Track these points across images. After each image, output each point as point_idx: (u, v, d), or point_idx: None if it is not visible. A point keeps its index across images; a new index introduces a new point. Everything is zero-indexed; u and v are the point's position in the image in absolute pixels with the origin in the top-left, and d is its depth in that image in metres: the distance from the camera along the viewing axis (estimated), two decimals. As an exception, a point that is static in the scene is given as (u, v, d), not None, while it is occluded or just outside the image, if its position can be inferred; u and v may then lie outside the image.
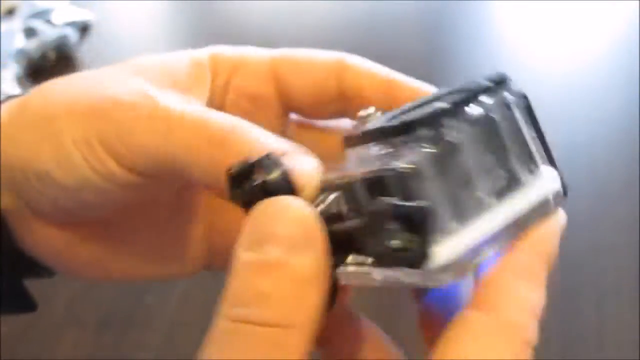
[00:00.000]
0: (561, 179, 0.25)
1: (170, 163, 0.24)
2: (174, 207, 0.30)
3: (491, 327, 0.22)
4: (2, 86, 0.79)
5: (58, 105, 0.26)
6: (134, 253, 0.29)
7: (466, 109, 0.23)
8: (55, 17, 0.88)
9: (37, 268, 0.29)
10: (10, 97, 0.27)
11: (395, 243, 0.21)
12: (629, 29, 0.86)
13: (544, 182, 0.24)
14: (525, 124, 0.25)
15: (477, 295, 0.22)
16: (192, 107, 0.25)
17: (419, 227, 0.21)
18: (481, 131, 0.23)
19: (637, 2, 0.88)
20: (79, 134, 0.24)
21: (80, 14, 0.90)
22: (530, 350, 0.22)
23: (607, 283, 0.62)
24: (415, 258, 0.21)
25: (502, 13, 0.94)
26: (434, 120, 0.22)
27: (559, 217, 0.25)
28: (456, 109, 0.22)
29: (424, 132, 0.22)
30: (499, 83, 0.24)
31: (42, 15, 0.88)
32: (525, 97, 0.24)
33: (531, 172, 0.24)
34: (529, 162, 0.24)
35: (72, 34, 0.86)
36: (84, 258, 0.29)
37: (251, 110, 0.29)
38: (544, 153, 0.25)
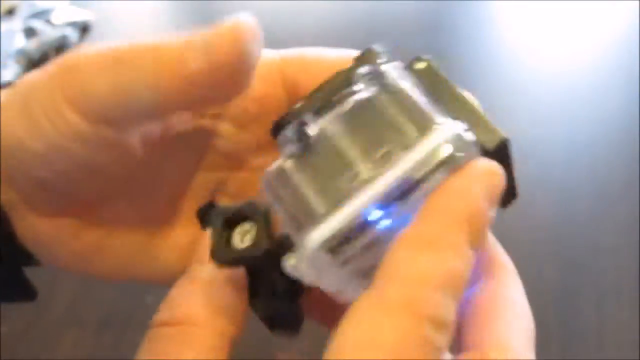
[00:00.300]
0: (475, 132, 0.24)
1: (123, 98, 0.24)
2: (157, 195, 0.30)
3: (374, 305, 0.20)
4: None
5: (33, 78, 0.26)
6: (122, 245, 0.29)
7: (334, 99, 0.24)
8: (55, 17, 0.88)
9: (35, 258, 0.29)
10: (8, 84, 0.27)
11: (244, 240, 0.24)
12: (629, 29, 0.86)
13: (438, 137, 0.23)
14: (416, 85, 0.25)
15: (374, 276, 0.21)
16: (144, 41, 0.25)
17: (260, 222, 0.24)
18: (351, 115, 0.24)
19: (637, 2, 0.88)
20: (44, 96, 0.25)
21: (80, 14, 0.90)
22: (432, 325, 0.20)
23: (607, 283, 0.62)
24: (257, 244, 0.23)
25: (502, 13, 0.94)
26: (295, 119, 0.24)
27: (475, 170, 0.22)
28: (320, 106, 0.24)
29: (289, 132, 0.25)
30: (368, 58, 0.25)
31: (42, 15, 0.88)
32: (408, 64, 0.26)
33: (423, 133, 0.23)
34: (421, 122, 0.23)
35: (72, 34, 0.86)
36: (74, 249, 0.29)
37: (258, 113, 0.29)
38: (456, 106, 0.25)
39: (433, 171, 0.22)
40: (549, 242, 0.64)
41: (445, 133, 0.23)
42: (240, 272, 0.25)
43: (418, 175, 0.22)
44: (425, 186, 0.22)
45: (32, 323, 0.60)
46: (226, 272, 0.24)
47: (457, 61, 0.84)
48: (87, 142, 0.25)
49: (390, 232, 0.22)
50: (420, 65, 0.26)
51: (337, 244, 0.22)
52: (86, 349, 0.59)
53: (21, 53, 0.82)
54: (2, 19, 0.87)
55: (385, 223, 0.22)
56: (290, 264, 0.23)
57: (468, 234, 0.21)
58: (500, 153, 0.24)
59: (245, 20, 0.24)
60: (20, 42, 0.84)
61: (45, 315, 0.60)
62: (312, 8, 0.95)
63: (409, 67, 0.26)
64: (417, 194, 0.22)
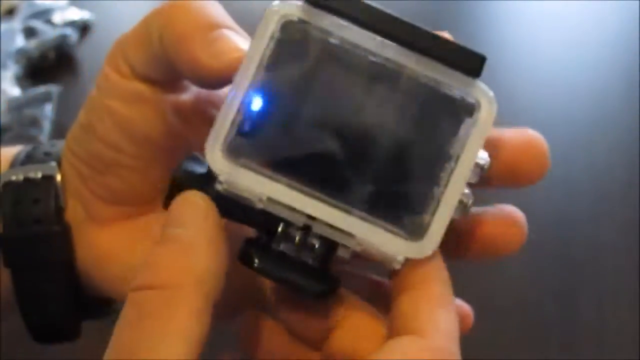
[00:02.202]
0: None
1: (166, 62, 0.28)
2: None
3: (425, 349, 0.24)
4: (2, 86, 0.79)
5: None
6: None
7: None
8: (55, 17, 0.88)
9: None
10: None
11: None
12: (629, 29, 0.86)
13: None
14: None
15: (399, 323, 0.25)
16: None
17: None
18: None
19: (637, 2, 0.88)
20: (110, 65, 0.30)
21: (80, 14, 0.90)
22: None
23: (607, 283, 0.62)
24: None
25: (502, 13, 0.94)
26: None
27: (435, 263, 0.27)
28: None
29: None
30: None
31: (42, 15, 0.88)
32: None
33: None
34: None
35: (72, 34, 0.86)
36: (129, 263, 0.31)
37: None
38: None
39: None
40: (549, 242, 0.64)
41: None
42: (219, 235, 0.25)
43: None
44: None
45: (32, 323, 0.60)
46: (207, 235, 0.25)
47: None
48: (123, 97, 0.29)
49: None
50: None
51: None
52: (86, 348, 0.59)
53: (21, 53, 0.82)
54: (2, 19, 0.87)
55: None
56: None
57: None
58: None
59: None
60: (20, 42, 0.84)
61: (45, 315, 0.60)
62: (312, 8, 0.95)
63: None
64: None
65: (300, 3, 0.25)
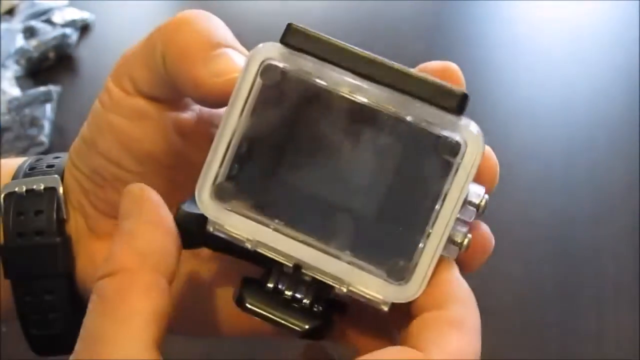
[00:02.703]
0: None
1: (169, 80, 0.28)
2: None
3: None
4: (2, 86, 0.79)
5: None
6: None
7: None
8: (55, 17, 0.88)
9: None
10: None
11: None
12: (629, 28, 0.86)
13: None
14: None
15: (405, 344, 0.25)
16: None
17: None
18: None
19: (637, 2, 0.88)
20: (114, 82, 0.30)
21: (80, 14, 0.90)
22: None
23: (607, 283, 0.62)
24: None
25: (502, 13, 0.94)
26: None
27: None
28: None
29: None
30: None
31: (42, 15, 0.88)
32: None
33: None
34: None
35: (72, 34, 0.86)
36: None
37: None
38: None
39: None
40: (549, 242, 0.64)
41: None
42: (157, 214, 0.26)
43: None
44: None
45: (32, 323, 0.60)
46: (145, 218, 0.26)
47: (456, 62, 0.83)
48: (125, 113, 0.30)
49: None
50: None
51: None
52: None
53: (21, 53, 0.82)
54: (2, 18, 0.87)
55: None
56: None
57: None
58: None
59: None
60: (20, 42, 0.84)
61: (45, 315, 0.60)
62: (311, 9, 0.95)
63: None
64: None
65: (280, 45, 0.25)
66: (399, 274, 0.25)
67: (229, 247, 0.27)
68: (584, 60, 0.83)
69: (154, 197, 0.26)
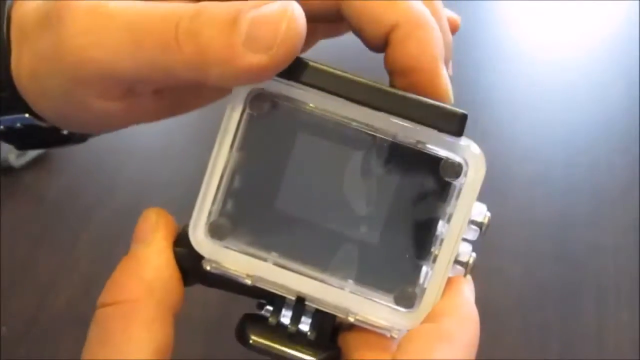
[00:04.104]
0: None
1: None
2: None
3: None
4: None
5: None
6: None
7: None
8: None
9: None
10: None
11: None
12: (629, 28, 0.86)
13: None
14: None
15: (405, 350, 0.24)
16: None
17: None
18: None
19: (637, 2, 0.88)
20: None
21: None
22: None
23: (607, 283, 0.62)
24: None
25: (502, 13, 0.94)
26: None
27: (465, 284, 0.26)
28: None
29: None
30: None
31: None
32: None
33: None
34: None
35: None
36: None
37: None
38: None
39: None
40: (549, 242, 0.64)
41: None
42: (169, 244, 0.26)
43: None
44: None
45: (32, 323, 0.60)
46: (156, 247, 0.25)
47: (456, 62, 0.83)
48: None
49: None
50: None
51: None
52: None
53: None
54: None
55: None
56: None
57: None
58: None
59: None
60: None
61: (45, 315, 0.60)
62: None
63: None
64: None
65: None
66: (408, 301, 0.25)
67: (226, 283, 0.26)
68: (584, 59, 0.83)
69: (170, 226, 0.26)
